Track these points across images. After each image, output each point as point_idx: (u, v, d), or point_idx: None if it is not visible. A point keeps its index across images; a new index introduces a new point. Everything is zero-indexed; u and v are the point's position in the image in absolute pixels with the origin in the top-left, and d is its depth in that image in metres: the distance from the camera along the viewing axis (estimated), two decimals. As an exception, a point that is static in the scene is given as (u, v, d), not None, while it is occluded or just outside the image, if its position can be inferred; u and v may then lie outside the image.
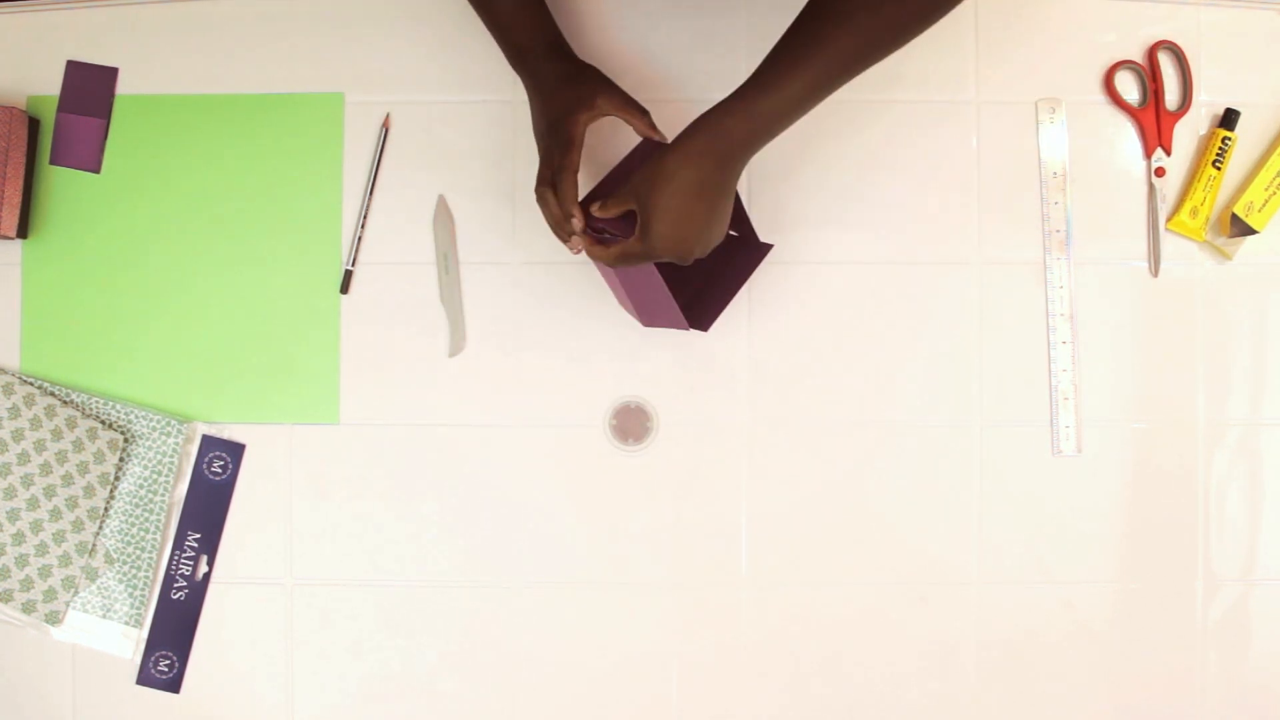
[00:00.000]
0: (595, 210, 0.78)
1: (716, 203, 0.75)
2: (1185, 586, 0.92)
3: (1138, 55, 0.93)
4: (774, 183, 0.92)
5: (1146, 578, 0.92)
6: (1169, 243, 0.93)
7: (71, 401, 0.91)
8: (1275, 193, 0.91)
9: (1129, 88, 0.93)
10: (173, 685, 0.92)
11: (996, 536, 0.92)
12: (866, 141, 0.93)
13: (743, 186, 0.92)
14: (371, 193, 0.92)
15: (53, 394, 0.91)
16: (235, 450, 0.92)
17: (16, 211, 0.90)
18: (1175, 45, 0.92)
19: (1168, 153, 0.93)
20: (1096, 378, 0.92)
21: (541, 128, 0.81)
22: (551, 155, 0.79)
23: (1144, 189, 0.93)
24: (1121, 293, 0.93)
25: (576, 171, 0.79)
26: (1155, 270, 0.93)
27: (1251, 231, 0.91)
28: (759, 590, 0.92)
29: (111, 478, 0.91)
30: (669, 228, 0.74)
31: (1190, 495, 0.92)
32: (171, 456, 0.91)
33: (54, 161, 0.93)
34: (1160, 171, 0.92)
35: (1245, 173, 0.93)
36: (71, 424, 0.90)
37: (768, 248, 0.89)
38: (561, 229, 0.79)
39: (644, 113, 0.82)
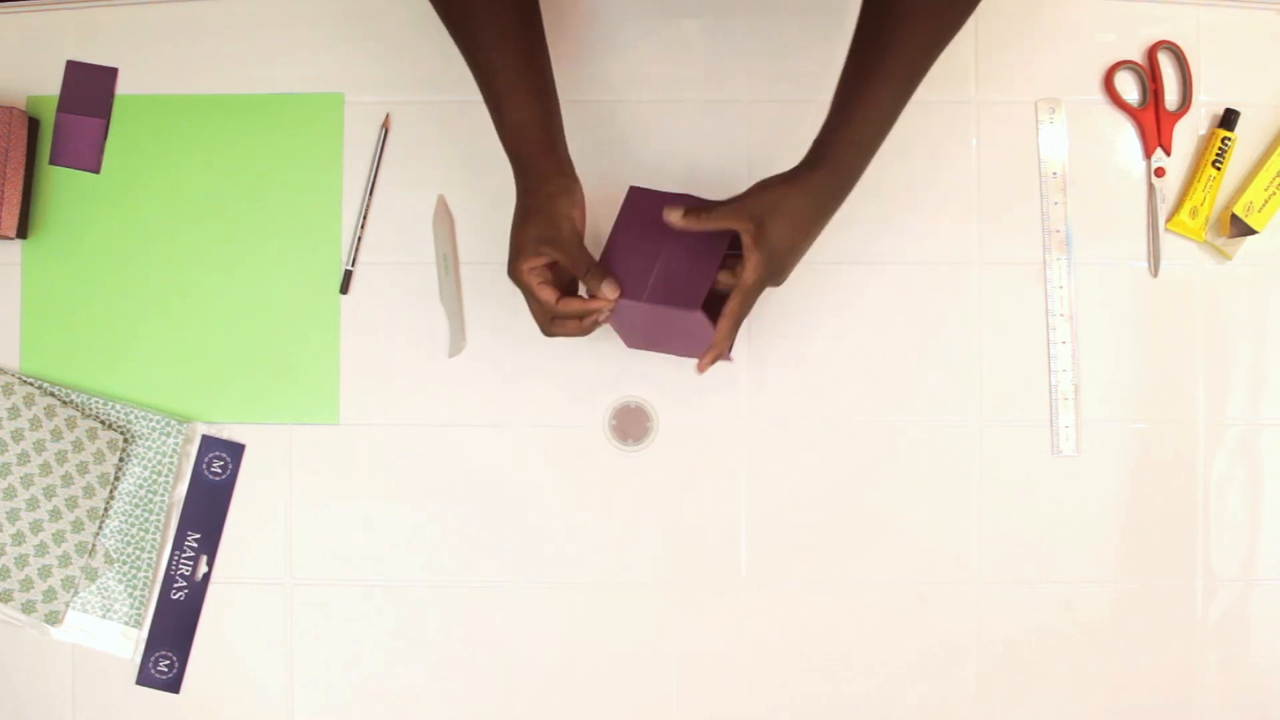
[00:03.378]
0: (688, 219, 0.77)
1: (819, 233, 0.79)
2: (1185, 586, 0.92)
3: (1138, 55, 0.93)
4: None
5: (1146, 578, 0.92)
6: (1169, 243, 0.93)
7: (71, 401, 0.91)
8: (1275, 193, 0.91)
9: (1129, 88, 0.93)
10: (173, 685, 0.92)
11: (996, 536, 0.92)
12: (866, 141, 0.93)
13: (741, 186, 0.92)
14: (371, 193, 0.92)
15: (53, 394, 0.91)
16: (235, 450, 0.92)
17: (16, 211, 0.90)
18: (1175, 45, 0.92)
19: (1168, 153, 0.93)
20: (1096, 378, 0.92)
21: (509, 254, 0.79)
22: (529, 301, 0.80)
23: (1144, 189, 0.93)
24: (1121, 293, 0.93)
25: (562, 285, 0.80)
26: (1155, 270, 0.93)
27: (1251, 231, 0.91)
28: (759, 590, 0.92)
29: (111, 478, 0.91)
30: (787, 256, 0.77)
31: (1190, 495, 0.92)
32: (171, 456, 0.91)
33: (54, 161, 0.93)
34: (1160, 172, 0.92)
35: (1245, 173, 0.93)
36: (71, 424, 0.90)
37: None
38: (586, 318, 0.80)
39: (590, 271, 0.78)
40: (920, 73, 0.77)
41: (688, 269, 0.80)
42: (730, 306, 0.77)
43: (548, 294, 0.78)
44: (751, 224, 0.75)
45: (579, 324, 0.80)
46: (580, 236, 0.79)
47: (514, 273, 0.78)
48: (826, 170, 0.77)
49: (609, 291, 0.78)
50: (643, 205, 0.82)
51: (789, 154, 0.92)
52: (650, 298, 0.79)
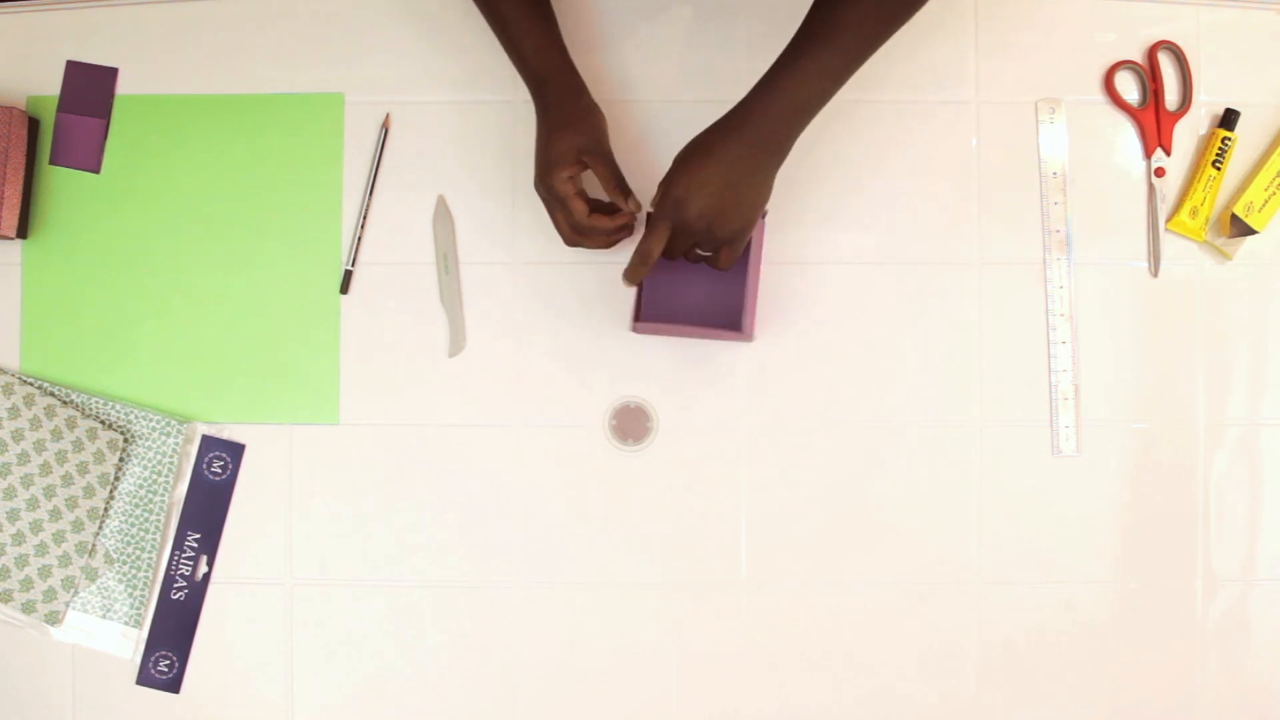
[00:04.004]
0: (632, 275, 0.81)
1: (754, 180, 0.79)
2: (1185, 586, 0.92)
3: (1138, 55, 0.93)
4: (774, 182, 0.92)
5: (1146, 578, 0.92)
6: (1169, 243, 0.93)
7: (71, 401, 0.91)
8: (1275, 193, 0.91)
9: (1129, 88, 0.93)
10: (173, 685, 0.92)
11: (996, 536, 0.92)
12: (866, 141, 0.93)
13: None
14: (371, 193, 0.92)
15: (53, 394, 0.91)
16: (235, 450, 0.92)
17: (16, 211, 0.90)
18: (1175, 45, 0.92)
19: (1168, 153, 0.93)
20: (1096, 378, 0.92)
21: (535, 176, 0.84)
22: (557, 212, 0.84)
23: (1144, 189, 0.93)
24: (1121, 293, 0.93)
25: (587, 208, 0.84)
26: (1155, 270, 0.93)
27: (1251, 231, 0.91)
28: (759, 590, 0.92)
29: (111, 478, 0.91)
30: (707, 199, 0.78)
31: (1190, 495, 0.92)
32: (171, 456, 0.91)
33: (54, 161, 0.93)
34: (1160, 172, 0.92)
35: (1245, 173, 0.93)
36: (71, 424, 0.90)
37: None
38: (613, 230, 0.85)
39: (620, 189, 0.84)
40: (858, 59, 0.78)
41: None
42: (653, 238, 0.80)
43: (580, 205, 0.83)
44: (666, 222, 0.79)
45: (607, 238, 0.85)
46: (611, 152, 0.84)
47: (550, 181, 0.82)
48: (743, 115, 0.79)
49: (634, 206, 0.83)
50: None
51: (791, 154, 0.92)
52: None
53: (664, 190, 0.79)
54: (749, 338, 0.88)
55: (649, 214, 0.81)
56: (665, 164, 0.92)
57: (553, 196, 0.83)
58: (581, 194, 0.83)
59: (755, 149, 0.78)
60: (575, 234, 0.84)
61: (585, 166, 0.83)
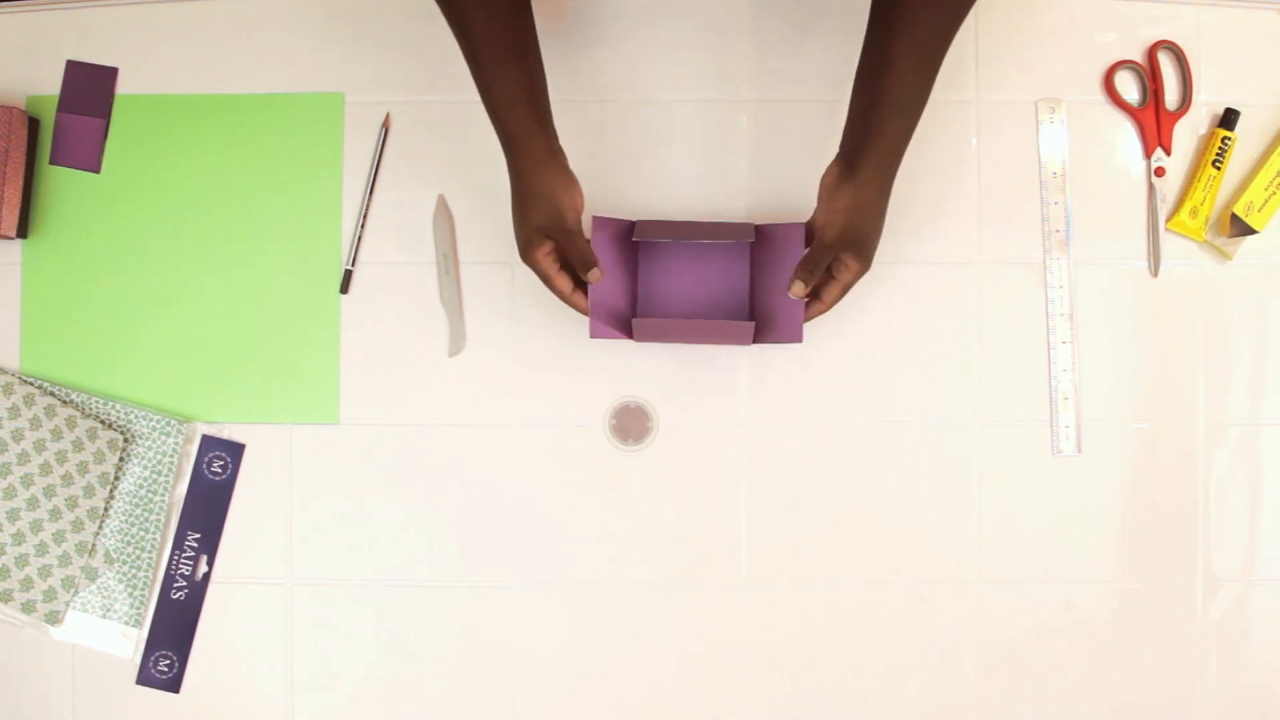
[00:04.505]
0: (807, 279, 0.81)
1: (885, 208, 0.82)
2: (1185, 586, 0.92)
3: (1138, 55, 0.93)
4: (775, 183, 0.92)
5: (1146, 578, 0.92)
6: (1169, 243, 0.93)
7: (71, 401, 0.91)
8: (1275, 193, 0.91)
9: (1129, 88, 0.93)
10: (173, 685, 0.92)
11: (996, 536, 0.92)
12: (866, 141, 0.93)
13: (743, 187, 0.92)
14: (371, 193, 0.92)
15: (53, 394, 0.91)
16: (235, 450, 0.92)
17: (16, 211, 0.90)
18: (1175, 45, 0.92)
19: (1168, 153, 0.93)
20: (1096, 378, 0.92)
21: (517, 241, 0.83)
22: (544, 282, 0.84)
23: (1144, 189, 0.93)
24: (1121, 293, 0.93)
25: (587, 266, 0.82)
26: (1155, 270, 0.93)
27: (1251, 231, 0.91)
28: (759, 590, 0.92)
29: (111, 478, 0.91)
30: (877, 245, 0.81)
31: (1190, 495, 0.92)
32: (171, 456, 0.91)
33: (54, 161, 0.93)
34: (1160, 171, 0.92)
35: (1245, 173, 0.93)
36: (71, 424, 0.90)
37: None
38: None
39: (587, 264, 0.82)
40: (943, 45, 0.78)
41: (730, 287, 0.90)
42: (835, 291, 0.83)
43: (564, 283, 0.83)
44: (851, 247, 0.81)
45: (581, 303, 0.85)
46: (580, 225, 0.82)
47: (530, 260, 0.82)
48: (877, 167, 0.79)
49: (595, 278, 0.82)
50: (611, 230, 0.87)
51: (789, 153, 0.92)
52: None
53: (831, 227, 0.81)
54: (799, 339, 0.87)
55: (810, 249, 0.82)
56: (666, 164, 0.92)
57: (536, 273, 0.83)
58: (565, 268, 0.83)
59: (890, 183, 0.81)
60: (565, 289, 0.84)
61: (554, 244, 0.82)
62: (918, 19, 0.76)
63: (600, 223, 0.86)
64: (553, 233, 0.80)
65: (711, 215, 0.92)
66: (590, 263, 0.81)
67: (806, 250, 0.83)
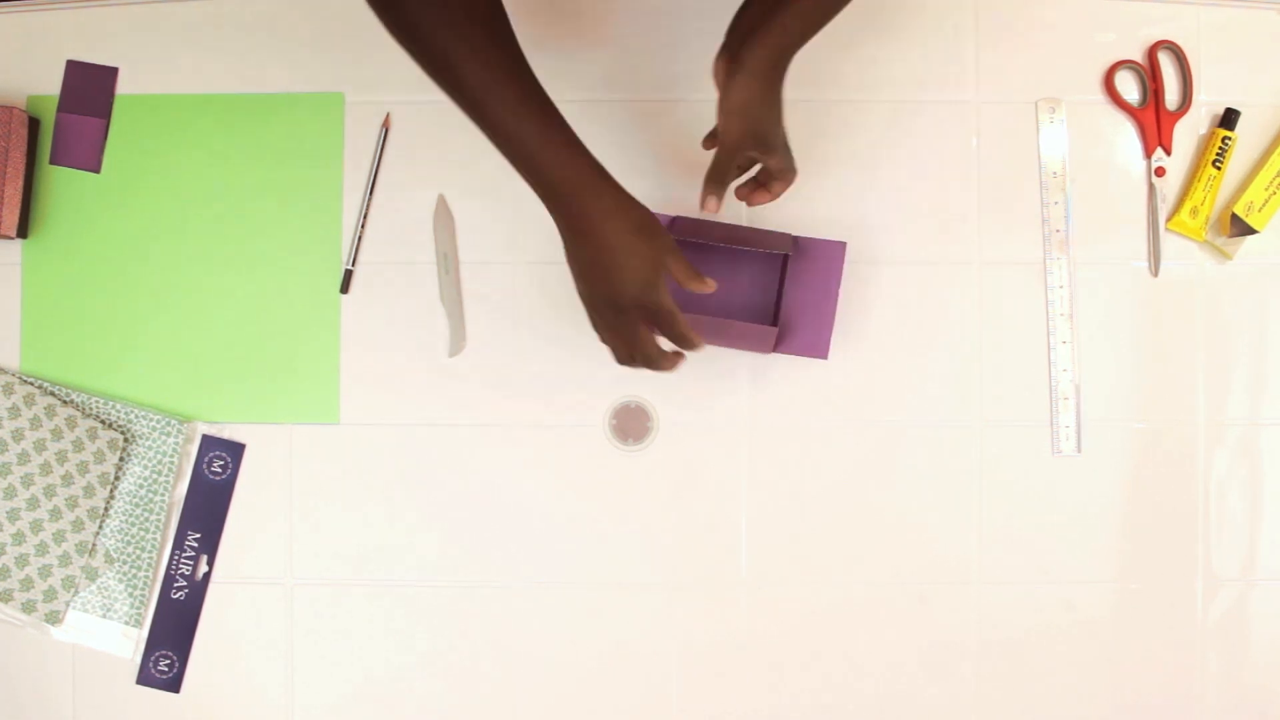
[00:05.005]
0: (719, 191, 0.76)
1: (778, 98, 0.76)
2: (1185, 586, 0.92)
3: (1138, 55, 0.93)
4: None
5: (1146, 578, 0.92)
6: (1169, 243, 0.93)
7: (71, 401, 0.91)
8: (1275, 193, 0.91)
9: (1129, 88, 0.93)
10: (173, 685, 0.92)
11: (996, 536, 0.92)
12: (866, 142, 0.92)
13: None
14: (371, 193, 0.92)
15: (53, 394, 0.91)
16: (235, 450, 0.92)
17: (16, 211, 0.90)
18: (1175, 45, 0.92)
19: (1168, 152, 0.93)
20: (1096, 378, 0.92)
21: (601, 296, 0.72)
22: (644, 334, 0.74)
23: (1144, 189, 0.93)
24: (1121, 293, 0.93)
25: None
26: (1155, 270, 0.93)
27: (1251, 231, 0.91)
28: (759, 590, 0.92)
29: (111, 477, 0.91)
30: (780, 133, 0.77)
31: (1190, 495, 0.92)
32: (171, 456, 0.91)
33: (54, 161, 0.93)
34: (1160, 171, 0.92)
35: (1245, 173, 0.93)
36: (71, 424, 0.90)
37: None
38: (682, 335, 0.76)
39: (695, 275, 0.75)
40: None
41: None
42: (775, 189, 0.80)
43: (683, 316, 0.74)
44: (758, 147, 0.76)
45: (673, 362, 0.77)
46: (667, 289, 0.74)
47: (655, 297, 0.72)
48: (767, 56, 0.73)
49: (710, 287, 0.75)
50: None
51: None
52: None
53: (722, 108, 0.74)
54: (824, 355, 0.86)
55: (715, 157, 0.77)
56: (666, 164, 0.92)
57: (660, 311, 0.72)
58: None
59: (772, 67, 0.74)
60: (634, 358, 0.76)
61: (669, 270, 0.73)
62: None
63: None
64: (671, 254, 0.72)
65: (741, 220, 0.92)
66: (694, 342, 0.74)
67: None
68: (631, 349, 0.75)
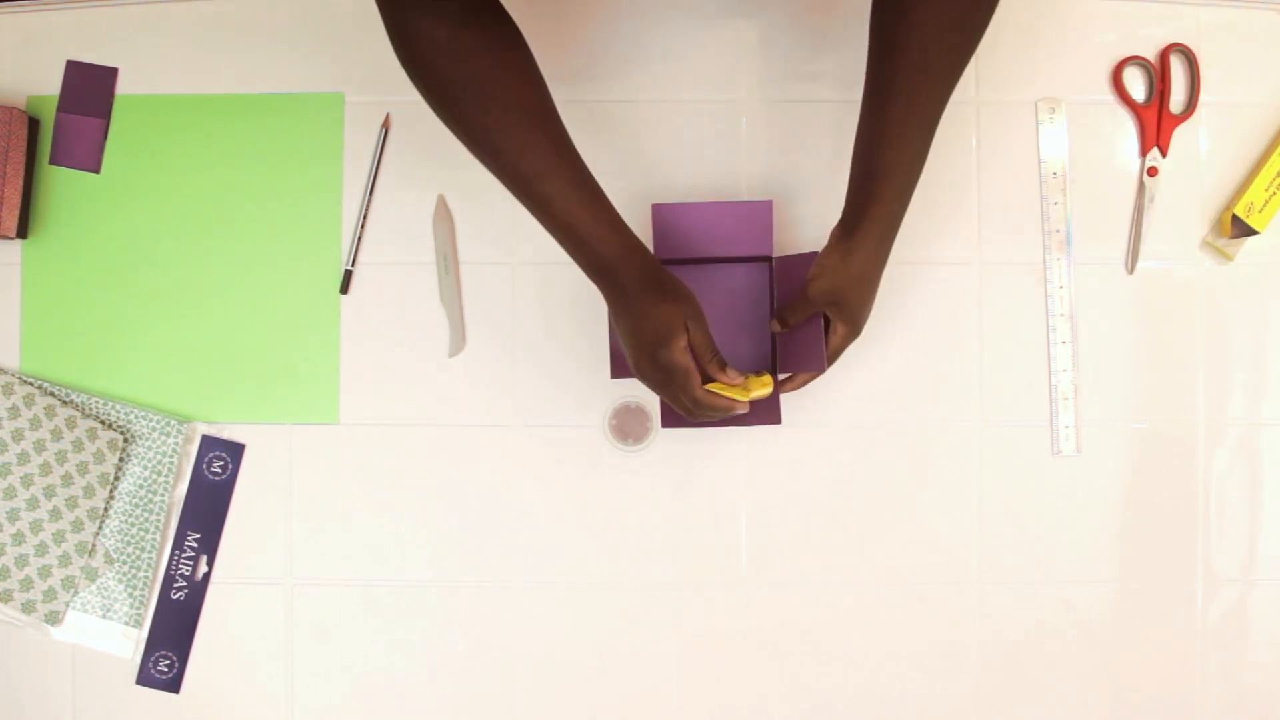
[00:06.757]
0: (785, 321, 0.83)
1: (880, 278, 0.81)
2: (1185, 586, 0.92)
3: (1149, 53, 0.93)
4: (774, 184, 0.92)
5: (1146, 577, 0.92)
6: (1170, 243, 0.93)
7: (71, 401, 0.91)
8: (1275, 193, 0.91)
9: (1136, 84, 0.93)
10: (173, 685, 0.92)
11: (996, 536, 0.92)
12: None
13: (742, 188, 0.92)
14: (371, 193, 0.92)
15: (53, 394, 0.91)
16: (235, 450, 0.92)
17: (16, 211, 0.90)
18: (1189, 50, 0.92)
19: (1164, 154, 0.93)
20: (1096, 378, 0.92)
21: (640, 359, 0.77)
22: (676, 389, 0.77)
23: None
24: (1122, 293, 0.93)
25: (700, 379, 0.77)
26: (1131, 268, 0.92)
27: (1252, 232, 0.91)
28: (758, 589, 0.92)
29: (111, 478, 0.91)
30: (860, 313, 0.80)
31: (1190, 495, 0.92)
32: (171, 456, 0.91)
33: (54, 161, 0.93)
34: (1153, 171, 0.92)
35: (1246, 173, 0.93)
36: (71, 424, 0.90)
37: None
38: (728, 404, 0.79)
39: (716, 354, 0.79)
40: (938, 112, 0.76)
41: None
42: (829, 352, 0.82)
43: (698, 378, 0.77)
44: (827, 303, 0.80)
45: (730, 404, 0.78)
46: (689, 352, 0.77)
47: (669, 355, 0.75)
48: (871, 236, 0.77)
49: (734, 377, 0.79)
50: (669, 219, 0.85)
51: (790, 152, 0.92)
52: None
53: (849, 327, 0.81)
54: (821, 369, 0.85)
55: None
56: (667, 163, 0.92)
57: (674, 370, 0.75)
58: (695, 366, 0.77)
59: (882, 255, 0.79)
60: (697, 408, 0.78)
61: (690, 339, 0.76)
62: (915, 91, 0.74)
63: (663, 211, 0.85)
64: (693, 319, 0.76)
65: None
66: (694, 412, 0.77)
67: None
68: (678, 405, 0.78)
